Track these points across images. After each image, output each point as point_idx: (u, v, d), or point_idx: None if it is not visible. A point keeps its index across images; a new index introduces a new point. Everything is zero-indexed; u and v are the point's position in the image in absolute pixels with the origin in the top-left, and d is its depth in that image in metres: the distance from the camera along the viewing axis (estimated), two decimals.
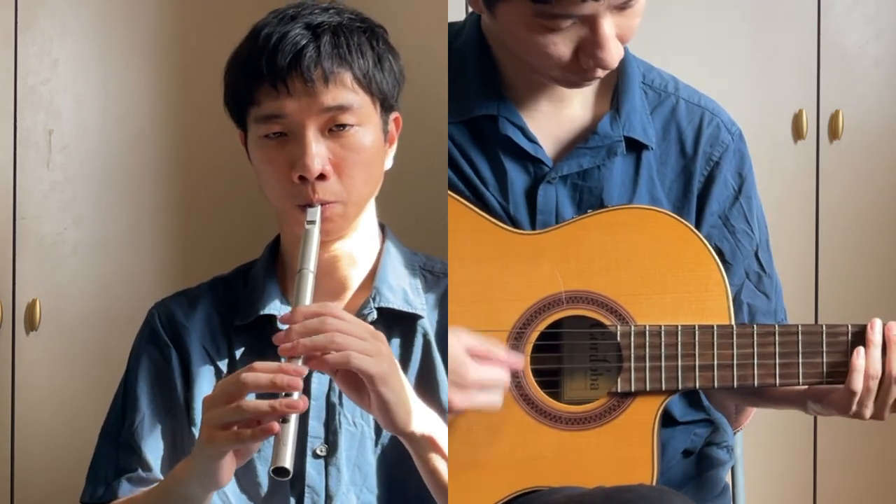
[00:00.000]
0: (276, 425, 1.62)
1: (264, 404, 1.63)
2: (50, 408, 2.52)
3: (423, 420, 1.72)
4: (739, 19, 2.90)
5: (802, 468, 2.97)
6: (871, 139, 2.94)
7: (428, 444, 1.72)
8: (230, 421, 1.64)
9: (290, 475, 1.62)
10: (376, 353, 1.67)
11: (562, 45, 1.71)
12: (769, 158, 2.85)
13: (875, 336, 1.78)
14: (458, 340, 1.75)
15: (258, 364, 1.67)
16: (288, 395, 1.64)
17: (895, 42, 2.94)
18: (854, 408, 1.77)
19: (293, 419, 1.63)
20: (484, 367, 1.75)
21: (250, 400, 1.65)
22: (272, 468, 1.61)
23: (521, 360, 1.80)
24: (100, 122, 2.53)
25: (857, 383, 1.76)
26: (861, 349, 1.77)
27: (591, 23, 1.69)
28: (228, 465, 1.68)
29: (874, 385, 1.77)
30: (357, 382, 1.68)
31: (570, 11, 1.67)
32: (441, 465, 1.73)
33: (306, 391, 1.86)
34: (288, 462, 1.61)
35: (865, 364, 1.76)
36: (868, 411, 1.78)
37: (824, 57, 2.91)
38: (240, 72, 1.87)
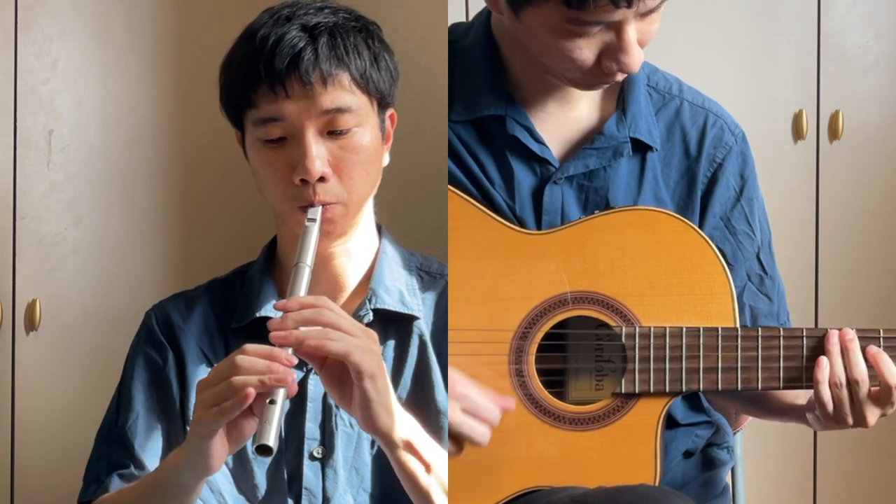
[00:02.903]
0: (251, 392, 1.62)
1: (253, 379, 1.63)
2: (50, 408, 2.52)
3: (401, 424, 1.71)
4: (739, 19, 2.90)
5: (802, 468, 2.98)
6: (871, 139, 2.94)
7: (406, 447, 1.72)
8: (221, 399, 1.64)
9: (273, 454, 1.62)
10: (368, 351, 1.67)
11: (587, 50, 1.72)
12: (769, 158, 2.85)
13: (831, 345, 1.78)
14: (455, 369, 1.77)
15: (250, 347, 1.66)
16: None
17: (895, 42, 2.94)
18: (832, 417, 1.78)
19: (280, 400, 1.64)
20: (476, 391, 1.77)
21: (239, 377, 1.64)
22: (255, 446, 1.62)
23: (513, 403, 1.81)
24: (100, 122, 2.53)
25: (824, 394, 1.77)
26: (823, 359, 1.78)
27: (617, 28, 1.70)
28: (219, 450, 1.68)
29: (844, 394, 1.77)
30: (341, 378, 1.68)
31: (601, 18, 1.68)
32: (418, 469, 1.73)
33: (303, 393, 1.87)
34: (272, 440, 1.61)
35: (829, 373, 1.77)
36: (850, 419, 1.79)
37: (824, 57, 2.92)
38: (236, 74, 1.86)
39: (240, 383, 1.63)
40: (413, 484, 1.73)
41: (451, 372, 1.77)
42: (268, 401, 1.63)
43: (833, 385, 1.77)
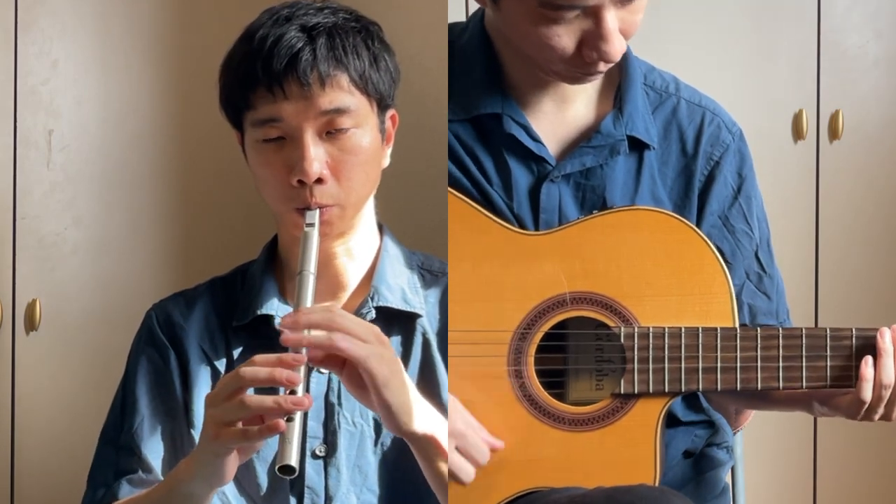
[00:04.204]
0: (281, 423, 1.62)
1: (269, 400, 1.63)
2: (50, 408, 2.52)
3: (426, 420, 1.71)
4: (740, 19, 2.90)
5: (802, 468, 2.98)
6: (871, 139, 2.94)
7: (431, 444, 1.72)
8: (234, 417, 1.64)
9: (296, 473, 1.62)
10: (380, 357, 1.67)
11: (565, 38, 1.71)
12: (769, 158, 2.85)
13: (886, 344, 1.77)
14: (456, 405, 1.78)
15: (258, 357, 1.66)
16: (293, 392, 1.64)
17: (895, 42, 2.94)
18: (863, 414, 1.78)
19: (298, 417, 1.63)
20: (469, 430, 1.78)
21: (254, 395, 1.65)
22: (278, 467, 1.62)
23: (502, 445, 1.81)
24: (100, 122, 2.53)
25: (867, 393, 1.76)
26: (869, 359, 1.77)
27: (595, 15, 1.69)
28: (232, 462, 1.68)
29: (886, 393, 1.76)
30: (361, 382, 1.68)
31: (574, 2, 1.67)
32: (445, 466, 1.73)
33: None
34: (293, 460, 1.61)
35: (877, 374, 1.76)
36: (877, 416, 1.78)
37: (824, 57, 2.92)
38: (235, 75, 1.86)
39: (254, 405, 1.64)
40: (439, 481, 1.74)
41: (453, 402, 1.78)
42: (285, 419, 1.63)
43: (880, 385, 1.76)
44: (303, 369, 1.66)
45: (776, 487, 2.97)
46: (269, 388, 1.67)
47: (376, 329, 1.71)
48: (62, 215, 2.52)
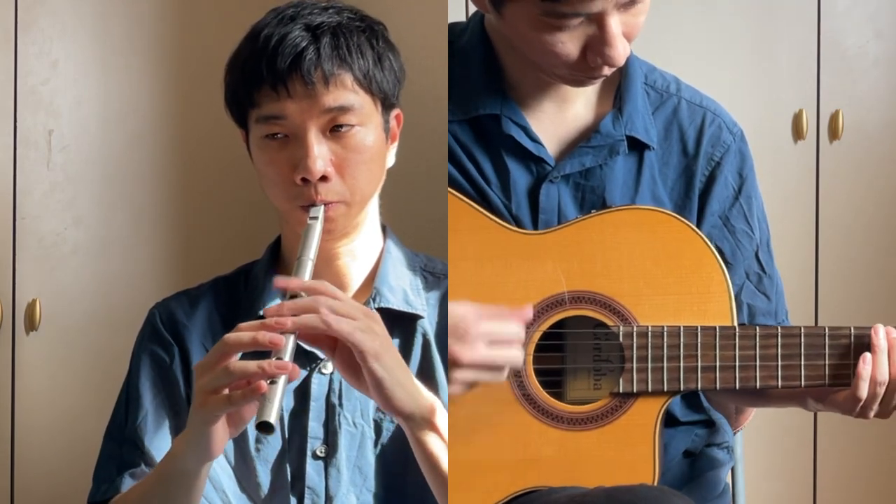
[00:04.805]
0: (263, 385, 1.61)
1: (252, 364, 1.62)
2: (50, 408, 2.51)
3: (422, 401, 1.70)
4: (739, 19, 2.90)
5: (802, 468, 2.97)
6: (871, 139, 2.94)
7: (426, 426, 1.71)
8: (220, 384, 1.63)
9: (274, 431, 1.61)
10: (369, 331, 1.67)
11: (569, 44, 1.72)
12: (769, 158, 2.85)
13: (880, 341, 1.78)
14: (459, 304, 1.74)
15: (242, 324, 1.66)
16: (279, 357, 1.63)
17: (895, 42, 2.94)
18: (858, 411, 1.78)
19: (281, 381, 1.62)
20: (493, 321, 1.74)
21: (238, 361, 1.64)
22: (256, 423, 1.60)
23: (530, 310, 1.79)
24: (100, 122, 2.53)
25: (863, 391, 1.77)
26: (867, 356, 1.77)
27: (599, 21, 1.70)
28: (221, 433, 1.67)
29: (881, 390, 1.77)
30: (354, 364, 1.68)
31: (578, 10, 1.68)
32: (439, 450, 1.72)
33: (306, 391, 1.88)
34: (273, 418, 1.60)
35: (872, 371, 1.76)
36: (872, 413, 1.78)
37: (824, 57, 2.91)
38: (240, 74, 1.87)
39: (238, 370, 1.63)
40: (433, 466, 1.72)
41: (460, 310, 1.74)
42: (268, 381, 1.63)
43: (875, 382, 1.77)
44: (291, 342, 1.65)
45: (776, 487, 2.97)
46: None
47: (364, 308, 1.71)
48: (62, 215, 2.52)
